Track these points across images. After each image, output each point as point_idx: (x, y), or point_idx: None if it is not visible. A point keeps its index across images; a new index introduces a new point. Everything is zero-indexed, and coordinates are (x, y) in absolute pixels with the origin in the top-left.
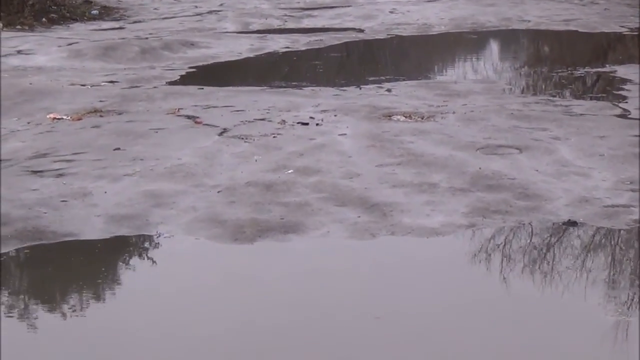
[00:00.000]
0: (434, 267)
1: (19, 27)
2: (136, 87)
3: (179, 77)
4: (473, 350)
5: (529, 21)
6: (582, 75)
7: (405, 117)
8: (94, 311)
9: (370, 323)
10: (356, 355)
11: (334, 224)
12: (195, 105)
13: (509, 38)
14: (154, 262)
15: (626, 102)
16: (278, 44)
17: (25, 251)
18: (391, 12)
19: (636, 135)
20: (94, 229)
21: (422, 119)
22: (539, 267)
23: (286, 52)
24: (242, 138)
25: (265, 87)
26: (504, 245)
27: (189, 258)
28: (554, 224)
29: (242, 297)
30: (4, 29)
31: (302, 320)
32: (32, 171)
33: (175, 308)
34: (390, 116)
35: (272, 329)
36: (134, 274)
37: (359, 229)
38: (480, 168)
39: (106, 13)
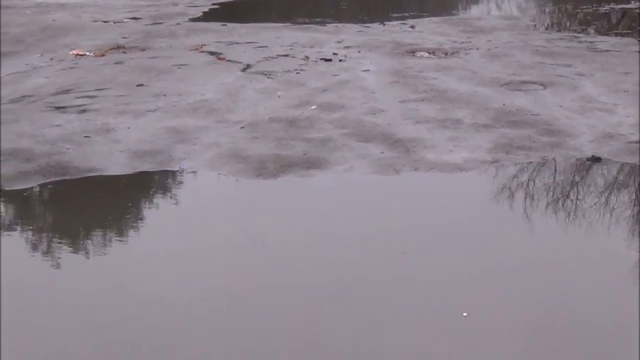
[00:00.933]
0: (457, 203)
1: None
2: (159, 23)
3: (201, 13)
4: (494, 288)
5: None
6: (607, 12)
7: (429, 53)
8: (117, 248)
9: (396, 259)
10: (382, 291)
11: (358, 159)
12: (218, 42)
13: None
14: (177, 197)
15: None
16: None
17: (49, 186)
18: None
19: None
20: (117, 165)
21: (446, 55)
22: (563, 204)
23: None
24: (265, 74)
25: (288, 24)
26: (528, 181)
27: (212, 193)
28: (577, 160)
29: (265, 232)
30: None
31: (325, 255)
32: (55, 107)
33: (198, 244)
34: (413, 52)
35: (295, 264)
36: (157, 210)
37: (382, 165)
38: (504, 104)
39: None
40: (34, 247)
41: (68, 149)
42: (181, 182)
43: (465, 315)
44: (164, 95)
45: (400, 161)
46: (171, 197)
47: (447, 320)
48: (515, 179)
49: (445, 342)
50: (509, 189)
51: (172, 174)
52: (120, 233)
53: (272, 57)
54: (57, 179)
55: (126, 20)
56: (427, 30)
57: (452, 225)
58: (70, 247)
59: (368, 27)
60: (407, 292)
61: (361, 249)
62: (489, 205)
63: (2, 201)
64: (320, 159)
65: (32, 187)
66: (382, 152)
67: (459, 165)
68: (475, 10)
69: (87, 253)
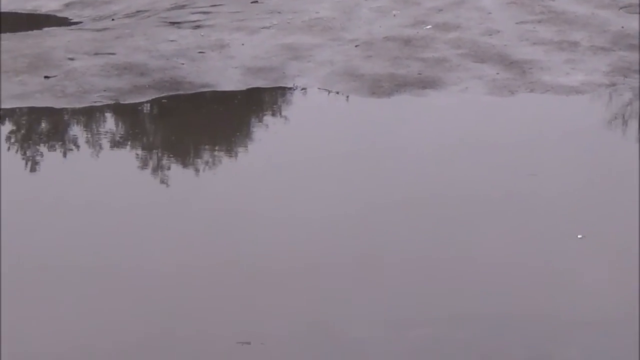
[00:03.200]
0: (572, 126)
1: None
2: None
3: None
4: (608, 209)
5: None
6: None
7: None
8: (229, 164)
9: (522, 180)
10: (507, 211)
11: (473, 80)
12: None
13: None
14: (289, 114)
15: None
16: None
17: (163, 101)
18: None
19: None
20: (230, 81)
21: None
22: None
23: None
24: None
25: None
26: None
27: (326, 111)
28: None
29: (378, 149)
30: None
31: (443, 173)
32: (169, 22)
33: (309, 160)
34: None
35: (410, 182)
36: (270, 126)
37: (497, 86)
38: (622, 27)
39: None
40: (145, 162)
41: (182, 64)
42: (294, 99)
43: (580, 238)
44: (279, 12)
45: (515, 83)
46: (284, 114)
47: (563, 240)
48: (632, 104)
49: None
50: (626, 112)
51: (286, 90)
52: (233, 148)
53: None
54: (170, 93)
55: None
56: None
57: (567, 148)
58: (182, 161)
59: None
60: (533, 212)
61: (482, 168)
62: (605, 130)
63: (118, 115)
64: (435, 79)
65: (146, 101)
66: (498, 74)
67: (575, 88)
68: None
69: (196, 170)
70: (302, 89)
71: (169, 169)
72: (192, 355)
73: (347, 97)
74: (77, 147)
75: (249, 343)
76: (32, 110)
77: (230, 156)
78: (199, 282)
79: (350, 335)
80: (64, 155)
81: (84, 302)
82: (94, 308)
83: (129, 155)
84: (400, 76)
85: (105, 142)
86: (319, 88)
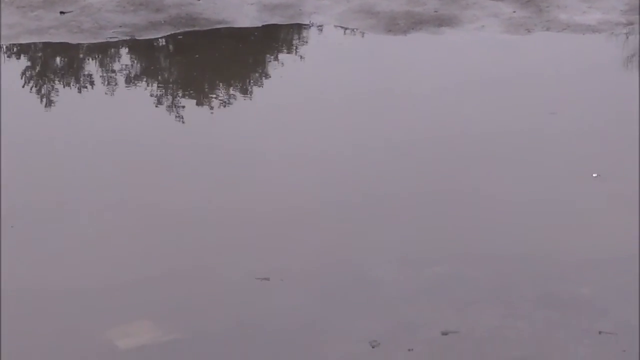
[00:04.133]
0: (589, 65)
1: None
2: None
3: None
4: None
5: None
6: None
7: None
8: (245, 101)
9: (545, 118)
10: (527, 148)
11: (489, 18)
12: None
13: None
14: (306, 51)
15: None
16: None
17: (179, 37)
18: None
19: None
20: (246, 17)
21: None
22: None
23: None
24: None
25: None
26: None
27: (342, 48)
28: None
29: (396, 88)
30: None
31: (458, 111)
32: None
33: (327, 98)
34: None
35: (426, 120)
36: (286, 64)
37: (514, 24)
38: None
39: None
40: (160, 98)
41: (198, 0)
42: (310, 36)
43: (595, 176)
44: None
45: (532, 21)
46: (300, 51)
47: (578, 179)
48: None
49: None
50: None
51: (302, 28)
52: (249, 85)
53: None
54: (186, 29)
55: None
56: None
57: (585, 86)
58: (198, 98)
59: None
60: (551, 150)
61: (500, 107)
62: (620, 71)
63: (133, 51)
64: (451, 17)
65: (161, 37)
66: (514, 12)
67: (591, 27)
68: None
69: (210, 107)
70: (318, 26)
71: (184, 105)
72: (213, 289)
73: (363, 34)
74: (93, 83)
75: (267, 279)
76: (47, 45)
77: (246, 93)
78: (217, 219)
79: (367, 271)
80: (80, 91)
81: (106, 235)
82: (116, 242)
83: (144, 91)
84: (416, 14)
85: (121, 78)
86: (335, 25)
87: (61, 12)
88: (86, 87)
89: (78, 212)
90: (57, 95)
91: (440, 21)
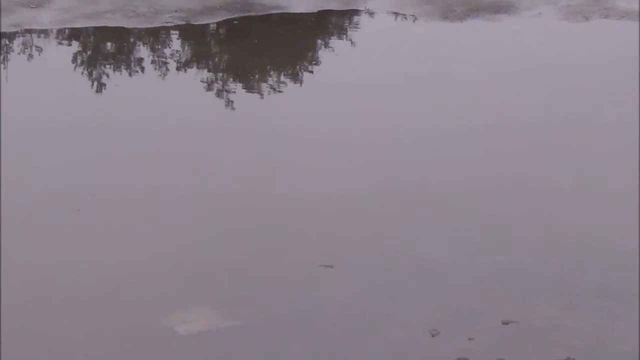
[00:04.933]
0: None
1: None
2: None
3: None
4: None
5: None
6: None
7: None
8: (303, 88)
9: (602, 105)
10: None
11: (547, 5)
12: None
13: None
14: (361, 37)
15: None
16: None
17: (234, 22)
18: None
19: None
20: (301, 3)
21: None
22: None
23: None
24: None
25: None
26: None
27: (397, 34)
28: None
29: (453, 74)
30: None
31: (519, 99)
32: None
33: (384, 82)
34: None
35: (485, 107)
36: (341, 49)
37: (571, 11)
38: None
39: None
40: (210, 85)
41: None
42: (366, 22)
43: None
44: None
45: (590, 8)
46: (355, 37)
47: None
48: None
49: None
50: None
51: (357, 13)
52: (306, 70)
53: None
54: (242, 14)
55: None
56: None
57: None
58: (254, 83)
59: None
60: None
61: (560, 94)
62: None
63: (190, 35)
64: (508, 4)
65: (217, 22)
66: None
67: None
68: None
69: (260, 95)
70: (374, 12)
71: (240, 89)
72: (278, 277)
73: (420, 20)
74: (149, 66)
75: (331, 266)
76: (103, 29)
77: (305, 79)
78: (279, 206)
79: (428, 260)
80: (136, 74)
81: (167, 221)
82: (177, 228)
83: (200, 75)
84: (472, 0)
85: (177, 62)
86: (390, 11)
87: None
88: (142, 71)
89: (139, 198)
90: (113, 78)
91: (497, 8)
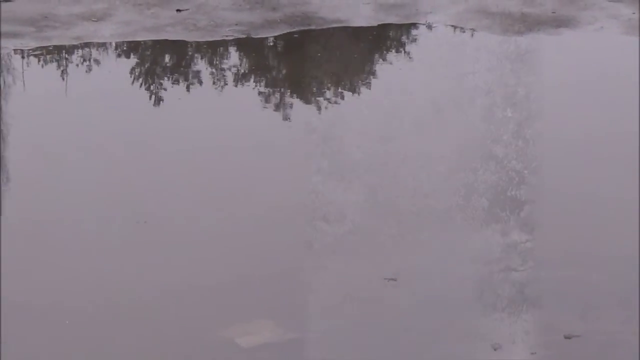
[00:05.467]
0: None
1: None
2: None
3: None
4: None
5: None
6: None
7: None
8: (360, 98)
9: None
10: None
11: (608, 19)
12: None
13: None
14: (422, 51)
15: None
16: None
17: (295, 36)
18: None
19: None
20: (362, 17)
21: None
22: None
23: None
24: None
25: None
26: None
27: (458, 48)
28: None
29: (516, 88)
30: None
31: (584, 113)
32: None
33: (447, 96)
34: None
35: (548, 122)
36: (402, 64)
37: (633, 25)
38: None
39: None
40: (267, 99)
41: None
42: (427, 36)
43: None
44: None
45: None
46: (416, 51)
47: None
48: None
49: None
50: None
51: (418, 27)
52: (366, 86)
53: None
54: (302, 28)
55: None
56: None
57: None
58: (315, 97)
59: None
60: None
61: (621, 107)
62: None
63: (251, 48)
64: (570, 18)
65: (277, 36)
66: (634, 13)
67: None
68: None
69: (321, 108)
70: (434, 26)
71: (301, 103)
72: (341, 290)
73: (480, 35)
74: (210, 80)
75: (395, 279)
76: (164, 42)
77: (363, 93)
78: (343, 220)
79: (488, 273)
80: (197, 87)
81: (228, 231)
82: (236, 239)
83: (262, 89)
84: (533, 14)
85: (238, 76)
86: (451, 25)
87: (177, 10)
88: (203, 84)
89: (199, 208)
90: (174, 92)
91: (559, 22)
